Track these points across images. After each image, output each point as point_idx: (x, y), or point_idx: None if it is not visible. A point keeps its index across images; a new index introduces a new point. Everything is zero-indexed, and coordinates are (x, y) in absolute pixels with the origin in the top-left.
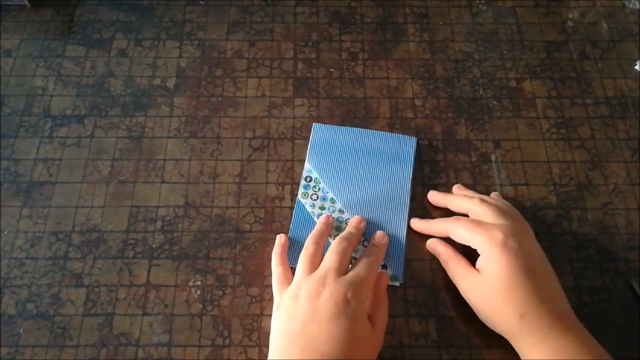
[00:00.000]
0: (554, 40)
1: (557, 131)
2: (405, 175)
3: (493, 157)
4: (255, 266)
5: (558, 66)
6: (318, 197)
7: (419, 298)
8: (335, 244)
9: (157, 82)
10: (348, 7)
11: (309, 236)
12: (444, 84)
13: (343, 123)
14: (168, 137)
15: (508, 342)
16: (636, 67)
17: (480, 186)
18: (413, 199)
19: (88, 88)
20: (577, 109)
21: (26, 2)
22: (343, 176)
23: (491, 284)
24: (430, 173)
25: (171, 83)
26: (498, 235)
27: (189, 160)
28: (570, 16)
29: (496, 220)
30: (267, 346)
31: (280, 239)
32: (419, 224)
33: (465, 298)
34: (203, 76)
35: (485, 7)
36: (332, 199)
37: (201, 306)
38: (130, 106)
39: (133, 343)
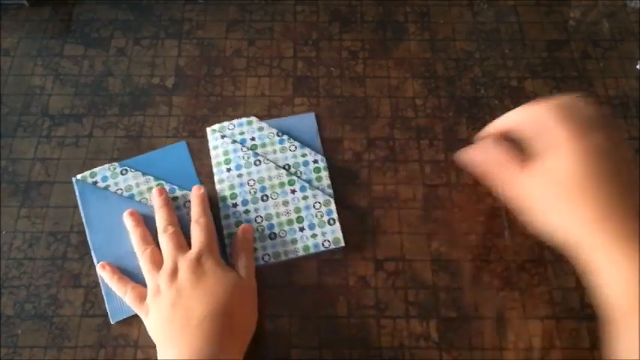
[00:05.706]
0: (555, 39)
1: None
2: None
3: None
4: None
5: (560, 65)
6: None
7: (419, 299)
8: (166, 240)
9: (155, 81)
10: (348, 5)
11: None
12: (445, 83)
13: (343, 122)
14: (167, 137)
15: (509, 342)
16: (638, 67)
17: (481, 185)
18: (413, 198)
19: (87, 87)
20: None
21: (25, 1)
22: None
23: (562, 177)
24: (431, 173)
25: (170, 82)
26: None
27: None
28: (572, 15)
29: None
30: (266, 347)
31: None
32: (467, 153)
33: (516, 202)
34: (202, 75)
35: (486, 6)
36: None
37: None
38: (129, 105)
39: (132, 344)
